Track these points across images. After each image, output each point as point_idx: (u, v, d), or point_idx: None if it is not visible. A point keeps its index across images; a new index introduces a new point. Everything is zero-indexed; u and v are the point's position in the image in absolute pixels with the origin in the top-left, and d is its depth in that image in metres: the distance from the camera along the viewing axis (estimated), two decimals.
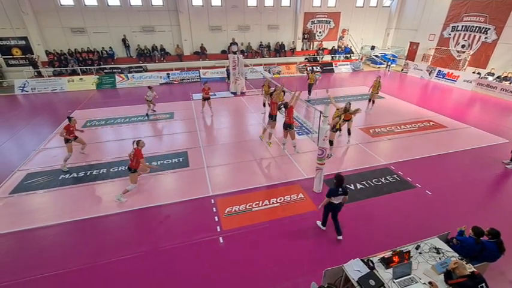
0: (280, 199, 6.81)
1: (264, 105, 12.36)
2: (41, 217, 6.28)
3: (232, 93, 15.65)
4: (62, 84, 16.90)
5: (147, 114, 12.29)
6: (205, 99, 12.09)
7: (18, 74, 17.36)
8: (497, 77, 15.99)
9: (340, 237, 5.58)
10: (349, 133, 9.46)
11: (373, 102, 12.63)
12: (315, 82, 14.34)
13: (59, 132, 8.37)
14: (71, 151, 8.21)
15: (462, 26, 18.65)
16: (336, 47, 23.51)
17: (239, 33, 21.23)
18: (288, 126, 8.21)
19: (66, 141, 8.11)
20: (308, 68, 20.72)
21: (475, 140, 9.84)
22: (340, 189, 5.19)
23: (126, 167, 6.74)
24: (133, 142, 6.54)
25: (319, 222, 5.96)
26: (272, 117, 8.94)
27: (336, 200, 5.31)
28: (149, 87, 12.06)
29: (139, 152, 6.41)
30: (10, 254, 5.36)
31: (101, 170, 8.10)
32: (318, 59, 22.42)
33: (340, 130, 8.90)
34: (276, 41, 22.26)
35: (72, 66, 17.90)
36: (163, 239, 5.69)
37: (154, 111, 12.63)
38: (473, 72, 17.45)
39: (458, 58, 18.96)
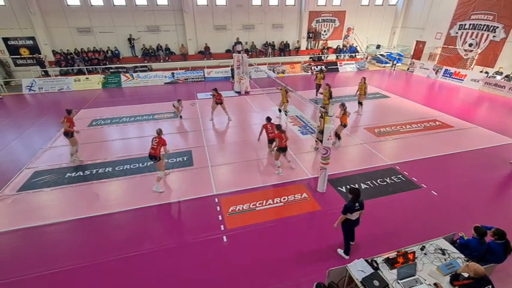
0: (284, 198, 6.80)
1: (280, 111, 11.79)
2: (47, 214, 6.37)
3: (236, 92, 15.66)
4: (68, 84, 17.10)
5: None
6: (218, 103, 11.57)
7: (25, 73, 17.64)
8: (506, 76, 15.74)
9: (352, 243, 5.38)
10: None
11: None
12: (321, 82, 14.20)
13: (60, 121, 8.39)
14: (75, 144, 8.45)
15: (470, 24, 18.39)
16: (341, 46, 23.38)
17: (243, 33, 21.24)
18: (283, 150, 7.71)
19: (69, 135, 8.24)
20: (313, 67, 20.68)
21: (482, 140, 9.70)
22: (357, 204, 4.74)
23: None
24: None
25: (340, 251, 5.25)
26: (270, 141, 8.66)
27: (353, 217, 4.84)
28: (178, 100, 11.89)
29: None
30: (17, 251, 5.45)
31: (107, 169, 8.18)
32: (323, 58, 22.32)
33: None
34: (281, 40, 22.21)
35: (79, 66, 18.10)
36: (167, 237, 5.73)
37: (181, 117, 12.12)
38: (481, 71, 17.20)
39: (465, 57, 18.71)
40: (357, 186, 7.19)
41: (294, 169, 8.00)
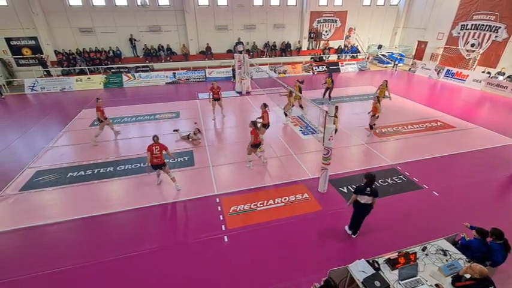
0: (285, 199, 6.79)
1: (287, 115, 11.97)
2: (49, 214, 6.39)
3: (237, 92, 15.67)
4: (70, 84, 17.15)
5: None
6: (216, 99, 11.57)
7: (28, 73, 17.68)
8: (508, 77, 15.67)
9: (353, 236, 5.65)
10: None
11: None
12: (331, 86, 13.69)
13: (95, 108, 9.52)
14: (101, 129, 9.66)
15: (472, 24, 18.32)
16: (342, 46, 23.34)
17: (245, 33, 21.24)
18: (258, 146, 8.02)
19: (100, 120, 9.50)
20: (314, 68, 20.66)
21: (484, 141, 9.66)
22: (369, 188, 4.93)
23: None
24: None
25: (347, 227, 5.74)
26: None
27: (362, 199, 5.06)
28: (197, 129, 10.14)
29: None
30: (19, 250, 5.47)
31: (108, 168, 8.20)
32: (324, 58, 22.29)
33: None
34: (282, 41, 22.19)
35: (80, 66, 18.15)
36: (168, 237, 5.73)
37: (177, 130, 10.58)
38: (483, 72, 17.14)
39: (467, 57, 18.65)
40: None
41: (266, 163, 8.27)
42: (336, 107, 7.83)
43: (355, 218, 5.47)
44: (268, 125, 9.19)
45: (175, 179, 7.16)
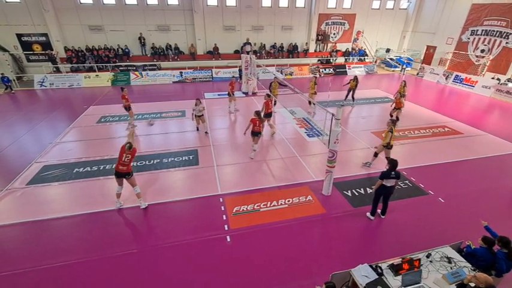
0: (289, 200, 6.78)
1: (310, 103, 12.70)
2: (55, 208, 6.47)
3: (243, 93, 15.69)
4: (78, 80, 17.38)
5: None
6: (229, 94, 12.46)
7: (37, 69, 17.99)
8: None
9: (372, 217, 6.18)
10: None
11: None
12: (354, 87, 13.62)
13: (121, 96, 10.52)
14: (132, 115, 10.79)
15: (482, 30, 18.10)
16: (350, 49, 23.24)
17: (252, 34, 21.29)
18: (257, 134, 8.50)
19: (127, 109, 10.51)
20: (321, 70, 20.61)
21: (492, 148, 9.53)
22: (393, 172, 5.50)
23: None
24: None
25: (368, 214, 6.20)
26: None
27: (388, 183, 5.61)
28: (198, 100, 9.96)
29: None
30: (24, 243, 5.55)
31: (114, 165, 8.23)
32: (331, 60, 22.21)
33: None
34: (289, 42, 22.19)
35: (89, 63, 18.38)
36: (171, 235, 5.75)
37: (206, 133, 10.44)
38: (493, 78, 16.89)
39: (477, 63, 18.42)
40: (362, 190, 7.14)
41: (252, 158, 8.64)
42: (394, 121, 7.74)
43: (376, 201, 5.97)
44: (270, 114, 9.79)
45: (140, 195, 6.43)
